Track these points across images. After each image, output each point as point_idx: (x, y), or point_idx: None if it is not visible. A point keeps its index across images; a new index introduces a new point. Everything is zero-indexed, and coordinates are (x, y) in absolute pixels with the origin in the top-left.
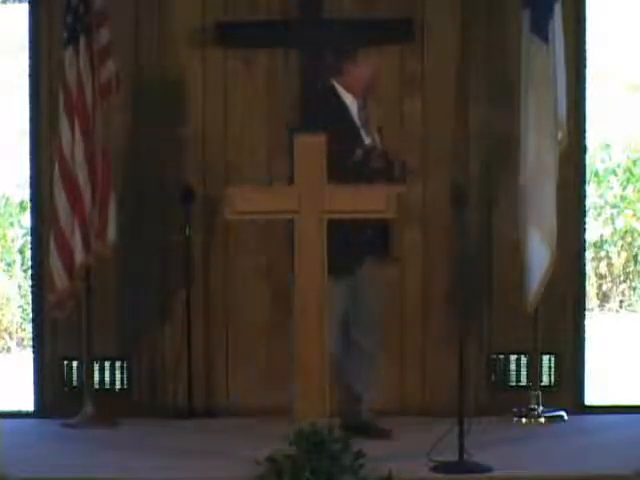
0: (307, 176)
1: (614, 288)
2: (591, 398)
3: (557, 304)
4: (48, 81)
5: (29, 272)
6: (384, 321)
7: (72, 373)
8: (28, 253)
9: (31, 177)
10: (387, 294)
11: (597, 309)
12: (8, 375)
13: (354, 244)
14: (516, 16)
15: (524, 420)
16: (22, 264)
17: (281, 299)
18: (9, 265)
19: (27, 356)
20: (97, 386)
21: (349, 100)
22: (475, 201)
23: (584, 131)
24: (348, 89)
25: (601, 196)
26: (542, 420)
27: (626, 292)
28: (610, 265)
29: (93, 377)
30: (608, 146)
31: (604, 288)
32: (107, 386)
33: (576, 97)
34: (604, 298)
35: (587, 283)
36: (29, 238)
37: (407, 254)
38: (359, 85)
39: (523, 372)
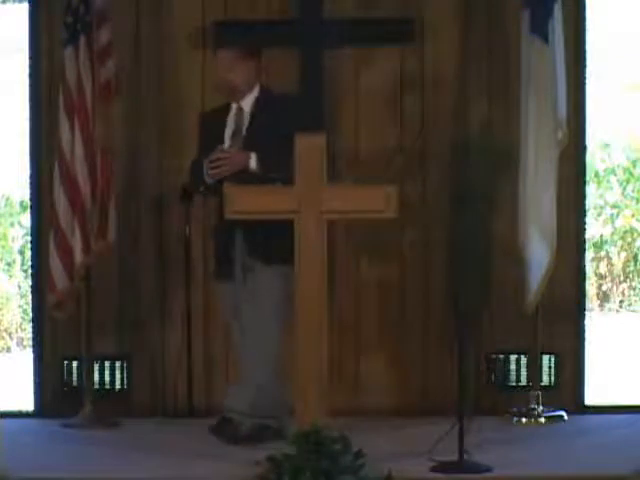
0: (307, 176)
1: (614, 288)
2: (591, 398)
3: (557, 304)
4: (48, 81)
5: (29, 272)
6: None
7: (72, 373)
8: (28, 253)
9: (31, 177)
10: (282, 302)
11: (597, 309)
12: (8, 375)
13: (230, 246)
14: (516, 16)
15: (524, 420)
16: (22, 264)
17: None
18: (9, 265)
19: (27, 356)
20: (97, 386)
21: (234, 106)
22: (475, 201)
23: (584, 131)
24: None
25: (601, 196)
26: (542, 420)
27: (626, 292)
28: (610, 265)
29: (93, 377)
30: (608, 146)
31: (604, 288)
32: (107, 386)
33: (576, 97)
34: (604, 298)
35: (587, 283)
36: (29, 238)
37: (407, 254)
38: (225, 86)
39: (523, 372)
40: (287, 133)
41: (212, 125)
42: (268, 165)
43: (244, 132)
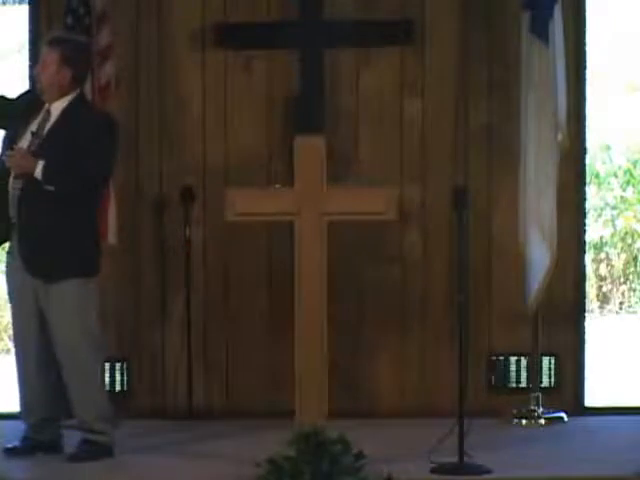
0: (307, 177)
1: (614, 290)
2: (591, 399)
3: (557, 305)
4: None
5: None
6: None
7: None
8: None
9: None
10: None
11: (597, 311)
12: (8, 376)
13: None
14: (516, 17)
15: (524, 421)
16: None
17: (281, 300)
18: None
19: None
20: None
21: (45, 107)
22: (475, 202)
23: (584, 132)
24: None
25: (601, 198)
26: (542, 421)
27: (626, 294)
28: (610, 267)
29: None
30: (608, 147)
31: (604, 290)
32: (107, 387)
33: (576, 98)
34: (604, 300)
35: (587, 284)
36: None
37: (407, 255)
38: (38, 83)
39: (523, 373)
40: (83, 146)
41: (22, 115)
42: (47, 176)
43: (44, 136)
